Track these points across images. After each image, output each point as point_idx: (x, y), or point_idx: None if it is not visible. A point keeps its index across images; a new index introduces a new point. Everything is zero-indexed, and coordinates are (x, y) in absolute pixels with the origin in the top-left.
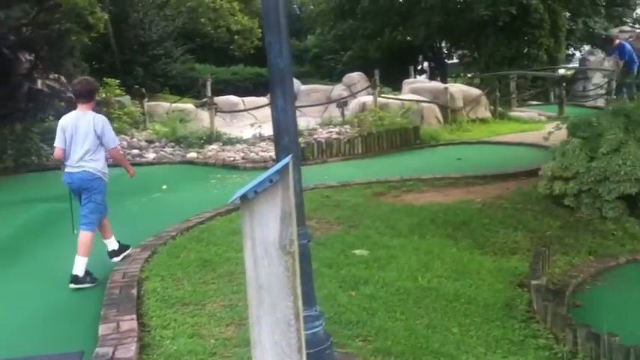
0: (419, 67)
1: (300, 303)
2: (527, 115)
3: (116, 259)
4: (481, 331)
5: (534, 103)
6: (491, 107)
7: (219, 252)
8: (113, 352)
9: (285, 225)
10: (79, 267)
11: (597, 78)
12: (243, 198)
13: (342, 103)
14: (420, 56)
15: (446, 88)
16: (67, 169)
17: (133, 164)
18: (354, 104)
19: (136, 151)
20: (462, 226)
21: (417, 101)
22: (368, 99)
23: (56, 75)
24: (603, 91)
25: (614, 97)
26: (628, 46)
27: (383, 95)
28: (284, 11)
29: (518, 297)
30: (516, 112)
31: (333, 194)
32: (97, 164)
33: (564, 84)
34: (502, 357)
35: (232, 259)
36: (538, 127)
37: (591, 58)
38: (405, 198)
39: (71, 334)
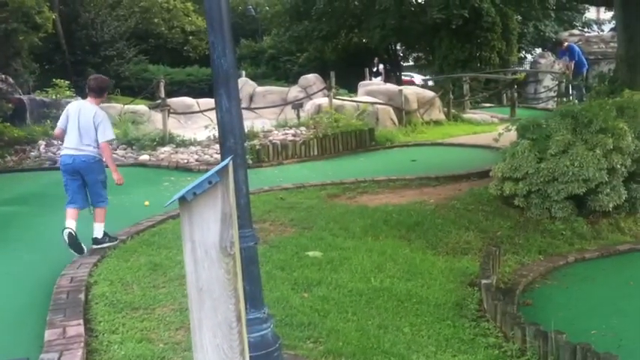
0: (374, 69)
1: (241, 305)
2: (480, 117)
3: (98, 246)
4: (432, 330)
5: (487, 105)
6: (445, 109)
7: (169, 255)
8: (59, 358)
9: (226, 227)
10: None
11: (548, 80)
12: (182, 200)
13: (297, 105)
14: (376, 58)
15: (400, 91)
16: (66, 151)
17: None
18: (309, 106)
19: None
20: (415, 227)
21: (372, 103)
22: (323, 101)
23: (3, 76)
24: (554, 94)
25: (565, 99)
26: (577, 48)
27: (338, 97)
28: (227, 11)
29: (469, 296)
30: (469, 115)
31: (288, 196)
32: (95, 150)
33: (516, 86)
34: (452, 356)
35: (183, 263)
36: (490, 128)
37: (542, 61)
38: (359, 199)
39: (15, 341)
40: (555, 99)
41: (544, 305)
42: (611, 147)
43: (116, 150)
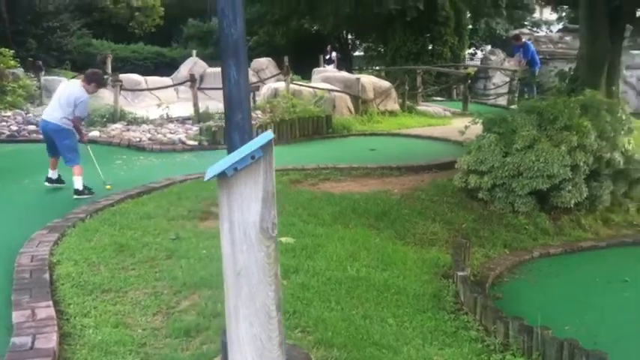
0: (327, 57)
1: (280, 293)
2: (433, 110)
3: (47, 184)
4: (415, 322)
5: (438, 99)
6: (400, 100)
7: (135, 236)
8: (32, 342)
9: (267, 206)
10: (77, 183)
11: (498, 77)
12: (221, 176)
13: (253, 88)
14: (329, 46)
15: (358, 79)
16: (44, 116)
17: (29, 141)
18: (265, 90)
19: (32, 127)
20: (382, 217)
21: (330, 90)
22: (280, 85)
23: None
24: (504, 90)
25: (517, 96)
26: (532, 46)
27: (295, 82)
28: None
29: (444, 288)
30: (423, 107)
31: None
32: (63, 121)
33: (469, 81)
34: (439, 349)
35: (151, 245)
36: (444, 121)
37: (492, 57)
38: (322, 186)
39: None
40: (507, 95)
41: (514, 299)
42: (576, 144)
43: None
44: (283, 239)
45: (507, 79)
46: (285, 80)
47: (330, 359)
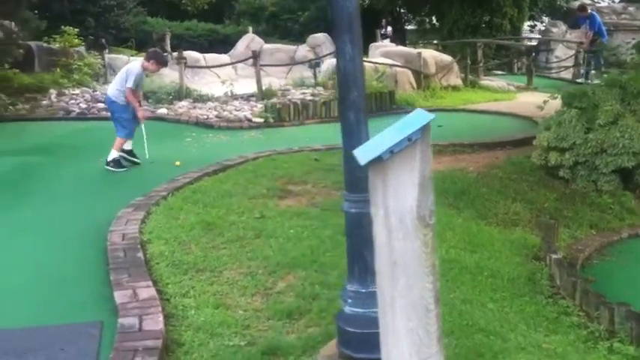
0: (382, 32)
1: (439, 285)
2: (497, 84)
3: (107, 167)
4: (515, 307)
5: (498, 72)
6: (462, 75)
7: (220, 215)
8: (140, 324)
9: (425, 192)
10: (112, 155)
11: (560, 50)
12: (376, 158)
13: (314, 64)
14: (384, 20)
15: (419, 54)
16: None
17: (99, 119)
18: (326, 65)
19: (101, 105)
20: (461, 196)
21: (391, 65)
22: None
23: (6, 22)
24: (568, 63)
25: (584, 70)
26: (598, 17)
27: None
28: None
29: (537, 271)
30: (486, 81)
31: (322, 158)
32: (116, 93)
33: (533, 54)
34: (545, 335)
35: (237, 224)
36: (509, 96)
37: (554, 29)
38: None
39: (78, 300)
40: (571, 69)
41: (607, 283)
42: None
43: None
44: None
45: (571, 52)
46: None
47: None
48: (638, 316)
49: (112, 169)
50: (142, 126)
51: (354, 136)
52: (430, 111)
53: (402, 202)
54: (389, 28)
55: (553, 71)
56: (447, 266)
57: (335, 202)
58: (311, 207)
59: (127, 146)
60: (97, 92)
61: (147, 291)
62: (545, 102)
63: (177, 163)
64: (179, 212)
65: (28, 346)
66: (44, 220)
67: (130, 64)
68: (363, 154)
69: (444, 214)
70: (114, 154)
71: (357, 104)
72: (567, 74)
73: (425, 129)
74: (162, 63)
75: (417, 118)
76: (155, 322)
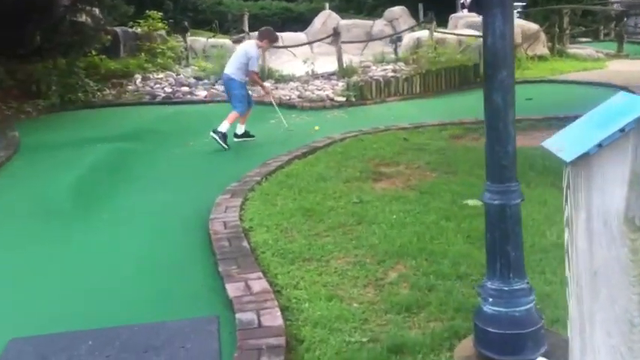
0: (462, 1)
1: None
2: (585, 53)
3: (236, 139)
4: None
5: (584, 39)
6: (549, 44)
7: (317, 200)
8: (258, 319)
9: (635, 192)
10: (223, 126)
11: None
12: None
13: (395, 39)
14: None
15: None
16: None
17: (185, 102)
18: (407, 40)
19: (185, 89)
20: (563, 175)
21: (476, 37)
22: (423, 34)
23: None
24: None
25: None
26: None
27: (438, 30)
28: None
29: None
30: (573, 50)
31: (410, 137)
32: (233, 72)
33: (625, 19)
34: None
35: (336, 209)
36: (599, 64)
37: None
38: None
39: (191, 293)
40: None
41: None
42: None
43: (214, 85)
44: (470, 202)
45: None
46: (428, 29)
47: None
48: None
49: (217, 139)
50: (273, 101)
51: (500, 120)
52: (517, 83)
53: (608, 203)
54: None
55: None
56: (559, 253)
57: (432, 184)
58: (408, 190)
59: (240, 130)
60: (181, 75)
61: (259, 283)
62: None
63: (317, 127)
64: (276, 198)
65: (148, 343)
66: (146, 207)
67: (246, 46)
68: (565, 147)
69: (549, 195)
70: (225, 126)
71: (505, 85)
72: None
73: (638, 120)
74: (275, 39)
75: (629, 104)
76: (273, 318)
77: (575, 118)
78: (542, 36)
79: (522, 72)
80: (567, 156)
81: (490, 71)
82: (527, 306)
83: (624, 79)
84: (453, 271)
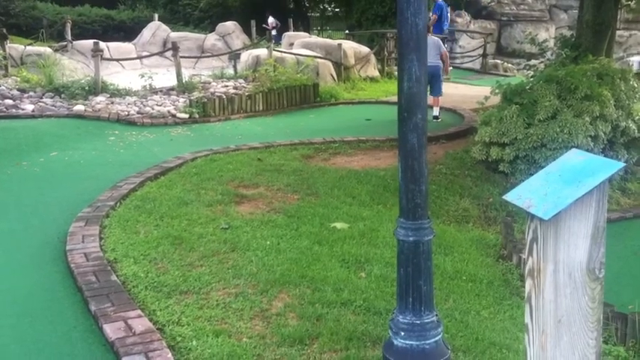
0: (269, 27)
1: (601, 339)
2: None
3: (435, 120)
4: (504, 314)
5: None
6: (379, 66)
7: (182, 226)
8: None
9: (597, 244)
10: (438, 110)
11: (463, 40)
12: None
13: (234, 56)
14: (267, 12)
15: (339, 45)
16: None
17: (10, 117)
18: (245, 57)
19: (9, 102)
20: None
21: (314, 57)
22: (262, 52)
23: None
24: (473, 53)
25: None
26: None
27: (277, 49)
28: None
29: (507, 272)
30: None
31: (263, 157)
32: (437, 60)
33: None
34: None
35: (206, 236)
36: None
37: (459, 19)
38: (336, 161)
39: (62, 338)
40: (479, 58)
41: None
42: (597, 114)
43: (42, 98)
44: (338, 225)
45: (474, 42)
46: (268, 47)
47: None
48: (625, 316)
49: (438, 120)
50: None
51: (415, 159)
52: (354, 103)
53: (572, 256)
54: (270, 19)
55: (457, 61)
56: None
57: (297, 207)
58: (274, 213)
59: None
60: (2, 87)
61: (140, 321)
62: (486, 98)
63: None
64: (136, 225)
65: None
66: None
67: (430, 39)
68: (534, 204)
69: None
70: (437, 109)
71: (420, 127)
72: (471, 64)
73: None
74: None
75: (603, 168)
76: None
77: None
78: (373, 58)
79: (357, 93)
80: (544, 214)
81: (405, 114)
82: (436, 338)
83: (452, 102)
84: (336, 297)
